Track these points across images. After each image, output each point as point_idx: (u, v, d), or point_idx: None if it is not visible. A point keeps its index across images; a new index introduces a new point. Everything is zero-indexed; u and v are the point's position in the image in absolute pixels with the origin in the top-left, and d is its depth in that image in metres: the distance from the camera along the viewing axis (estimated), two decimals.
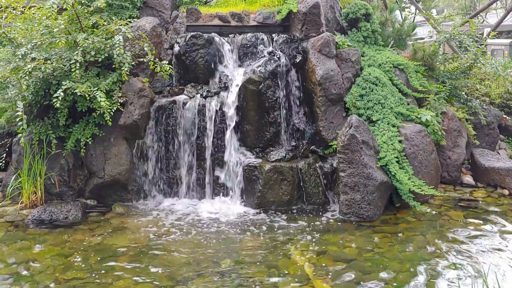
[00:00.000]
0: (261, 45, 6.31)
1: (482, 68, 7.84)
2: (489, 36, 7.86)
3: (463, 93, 7.20)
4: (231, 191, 5.91)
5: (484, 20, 15.62)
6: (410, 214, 5.50)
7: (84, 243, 4.77)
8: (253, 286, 3.95)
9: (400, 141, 5.72)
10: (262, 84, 5.90)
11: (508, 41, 12.39)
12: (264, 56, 6.17)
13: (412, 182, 5.43)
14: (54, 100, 5.23)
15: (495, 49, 11.68)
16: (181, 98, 6.01)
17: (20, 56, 5.53)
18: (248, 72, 5.99)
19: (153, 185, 6.01)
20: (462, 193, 6.22)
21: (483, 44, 7.82)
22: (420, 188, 5.36)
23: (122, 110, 5.70)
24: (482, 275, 3.35)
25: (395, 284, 3.98)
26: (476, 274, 4.03)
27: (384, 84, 6.22)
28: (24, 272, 4.17)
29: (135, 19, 6.42)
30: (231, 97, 5.96)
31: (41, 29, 5.74)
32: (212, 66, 6.18)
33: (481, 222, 5.31)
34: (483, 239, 4.86)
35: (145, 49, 5.81)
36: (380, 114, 5.98)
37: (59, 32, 5.57)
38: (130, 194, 5.91)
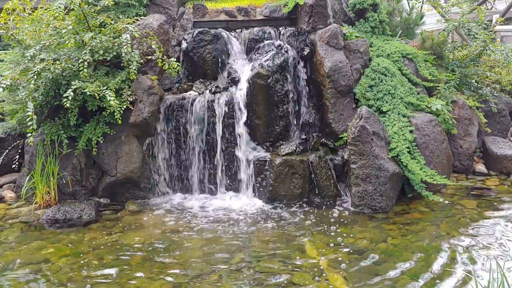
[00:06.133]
0: (269, 39, 6.29)
1: (492, 55, 7.76)
2: (497, 22, 7.77)
3: (473, 81, 7.14)
4: (242, 186, 5.92)
5: (492, 7, 15.43)
6: (422, 204, 5.49)
7: (99, 241, 4.81)
8: (267, 280, 3.96)
9: (411, 131, 5.70)
10: (271, 78, 5.89)
11: None
12: (272, 49, 6.16)
13: (424, 172, 5.41)
14: (64, 100, 5.25)
15: (505, 36, 11.56)
16: (190, 94, 6.02)
17: (29, 57, 5.57)
18: (256, 67, 5.97)
19: (165, 182, 6.04)
20: (474, 182, 6.19)
21: (492, 31, 7.74)
22: (432, 178, 5.34)
23: (132, 108, 5.73)
24: (499, 265, 3.30)
25: (409, 275, 3.97)
26: (492, 264, 3.99)
27: (393, 74, 6.18)
28: (40, 272, 4.20)
29: (142, 17, 6.43)
30: (240, 92, 5.96)
31: (49, 30, 5.76)
32: (220, 61, 6.18)
33: (494, 210, 5.28)
34: (498, 228, 4.83)
35: (153, 46, 5.82)
36: (390, 105, 5.95)
37: (67, 32, 5.59)
38: (142, 191, 5.94)
